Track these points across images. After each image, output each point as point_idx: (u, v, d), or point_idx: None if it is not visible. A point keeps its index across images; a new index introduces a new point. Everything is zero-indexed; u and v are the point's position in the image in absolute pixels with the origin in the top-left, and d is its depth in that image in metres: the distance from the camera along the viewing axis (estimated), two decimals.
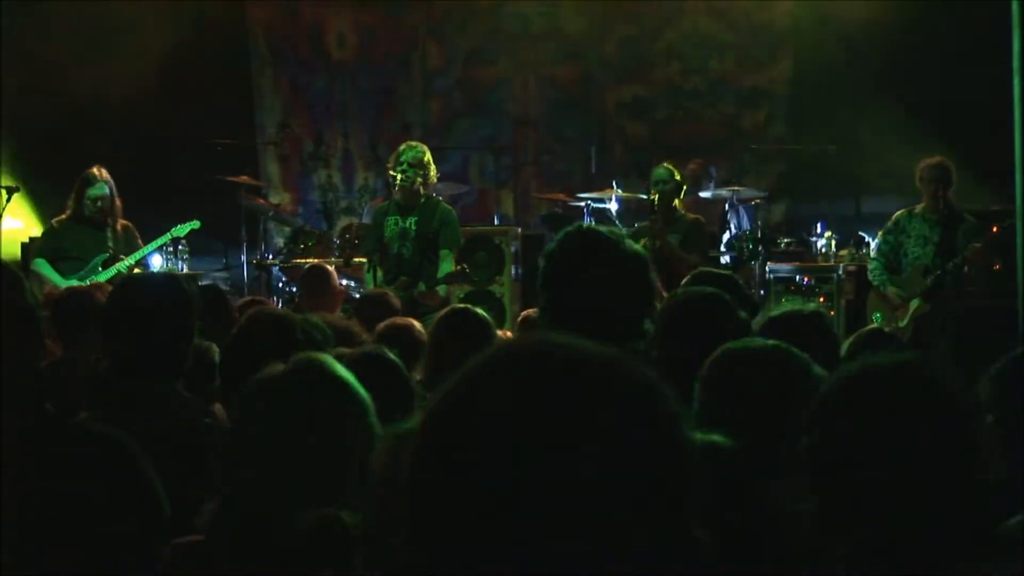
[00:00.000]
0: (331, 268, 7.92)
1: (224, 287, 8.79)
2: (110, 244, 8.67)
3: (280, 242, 10.40)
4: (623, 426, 1.21)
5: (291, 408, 2.35)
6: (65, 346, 5.14)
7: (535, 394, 1.21)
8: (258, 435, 2.34)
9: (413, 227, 8.39)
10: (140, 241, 8.88)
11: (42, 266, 8.44)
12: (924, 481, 1.99)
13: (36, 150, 10.42)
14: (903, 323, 8.54)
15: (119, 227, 8.78)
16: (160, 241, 9.09)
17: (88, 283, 8.06)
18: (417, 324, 4.98)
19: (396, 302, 6.31)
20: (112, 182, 8.69)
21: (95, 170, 8.67)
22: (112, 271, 8.60)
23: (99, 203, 8.61)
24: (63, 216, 8.77)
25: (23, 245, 9.90)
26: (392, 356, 3.37)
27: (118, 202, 8.74)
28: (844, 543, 2.01)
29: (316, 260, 9.09)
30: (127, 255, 8.72)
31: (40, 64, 10.87)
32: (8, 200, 9.19)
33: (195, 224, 9.29)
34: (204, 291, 5.69)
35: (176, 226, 9.20)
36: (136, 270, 8.63)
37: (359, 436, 2.35)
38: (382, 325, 4.91)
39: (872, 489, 1.99)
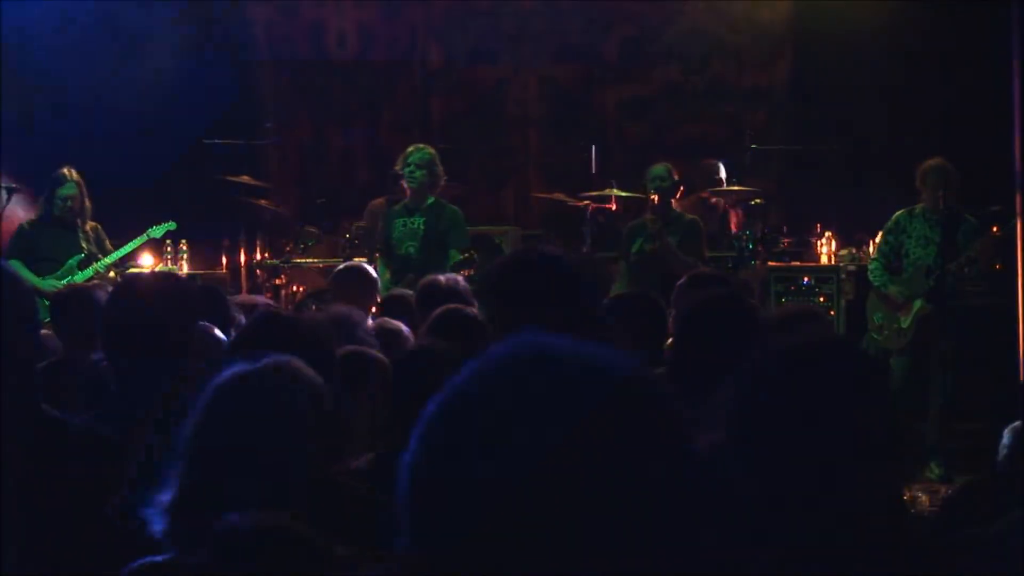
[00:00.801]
0: (374, 273, 7.32)
1: (224, 287, 8.78)
2: (83, 244, 8.68)
3: (280, 242, 10.39)
4: (624, 428, 1.21)
5: (258, 408, 2.34)
6: (65, 346, 5.14)
7: (535, 397, 1.20)
8: (222, 433, 2.34)
9: (421, 228, 8.39)
10: (109, 243, 8.89)
11: (17, 268, 8.44)
12: (856, 462, 1.95)
13: (36, 150, 10.41)
14: (906, 323, 8.53)
15: (88, 228, 8.78)
16: (137, 242, 9.10)
17: (65, 284, 8.08)
18: (404, 327, 4.94)
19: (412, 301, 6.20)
20: (82, 182, 8.71)
21: (65, 170, 8.70)
22: (89, 271, 8.60)
23: (69, 202, 8.62)
24: (34, 217, 8.78)
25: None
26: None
27: (87, 203, 8.74)
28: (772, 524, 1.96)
29: (357, 260, 8.46)
30: (101, 256, 8.73)
31: (40, 64, 10.87)
32: (8, 200, 9.19)
33: (171, 225, 9.30)
34: (204, 291, 5.67)
35: (152, 227, 9.21)
36: (111, 272, 8.65)
37: (315, 442, 2.34)
38: (374, 325, 4.88)
39: (802, 469, 1.94)
